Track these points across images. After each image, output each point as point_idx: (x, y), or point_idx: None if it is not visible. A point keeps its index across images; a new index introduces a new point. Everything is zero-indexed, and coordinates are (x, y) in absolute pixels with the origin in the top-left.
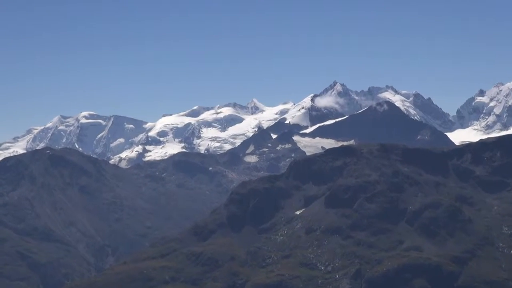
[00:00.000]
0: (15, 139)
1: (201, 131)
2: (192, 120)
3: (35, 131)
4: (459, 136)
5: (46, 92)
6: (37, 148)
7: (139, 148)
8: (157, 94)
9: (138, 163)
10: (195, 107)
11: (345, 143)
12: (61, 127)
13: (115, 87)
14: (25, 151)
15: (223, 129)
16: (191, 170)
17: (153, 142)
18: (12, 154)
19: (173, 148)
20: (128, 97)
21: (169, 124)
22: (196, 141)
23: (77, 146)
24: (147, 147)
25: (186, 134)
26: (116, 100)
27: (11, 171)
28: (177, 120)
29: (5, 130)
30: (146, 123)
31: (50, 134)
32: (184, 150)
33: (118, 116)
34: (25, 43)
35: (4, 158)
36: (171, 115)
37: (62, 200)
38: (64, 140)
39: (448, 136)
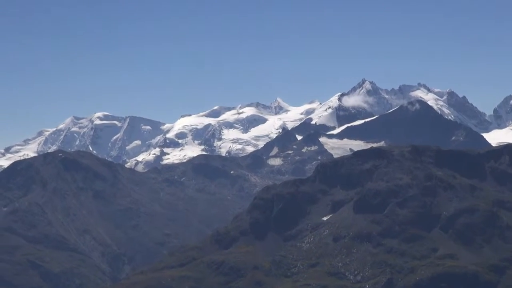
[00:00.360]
0: (26, 141)
1: (222, 132)
2: (212, 120)
3: (47, 133)
4: (496, 137)
5: (58, 92)
6: (49, 151)
7: (156, 151)
8: (175, 94)
9: (155, 166)
10: (215, 107)
11: (374, 145)
12: (74, 129)
13: (131, 86)
14: (36, 154)
15: (245, 130)
16: (212, 174)
17: (171, 144)
18: (22, 158)
19: (193, 150)
20: (144, 97)
21: (188, 125)
22: (216, 143)
23: (91, 149)
24: (165, 150)
25: (206, 135)
26: (132, 100)
27: (21, 175)
28: (197, 121)
29: (15, 132)
30: (163, 124)
31: (62, 136)
32: (204, 152)
33: (134, 117)
34: (36, 43)
35: (14, 162)
36: (190, 115)
37: (76, 206)
38: (77, 142)
39: (484, 136)
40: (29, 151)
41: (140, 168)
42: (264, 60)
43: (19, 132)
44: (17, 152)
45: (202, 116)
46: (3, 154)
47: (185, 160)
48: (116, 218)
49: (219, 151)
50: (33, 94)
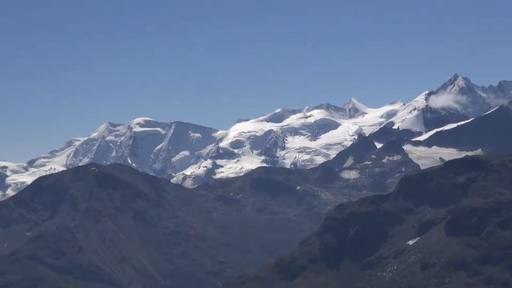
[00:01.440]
0: (52, 153)
1: (286, 140)
2: (274, 126)
3: (77, 143)
4: None
5: (90, 94)
6: (80, 164)
7: (207, 163)
8: (230, 95)
9: (207, 181)
10: (278, 110)
11: (469, 154)
12: (109, 138)
13: (177, 86)
14: (64, 169)
15: (314, 137)
16: (274, 190)
17: (226, 155)
18: (49, 172)
19: (251, 162)
20: (193, 99)
21: (245, 132)
22: (279, 153)
23: (129, 162)
24: (218, 162)
25: (267, 144)
26: (178, 102)
27: (47, 193)
28: (256, 126)
29: (41, 142)
30: (216, 131)
31: (95, 147)
32: (264, 164)
33: (181, 122)
34: (65, 40)
35: (39, 178)
36: (247, 120)
37: (112, 230)
38: (113, 154)
39: None
40: (57, 165)
41: (188, 183)
42: (335, 53)
43: (45, 142)
44: (42, 166)
45: (262, 121)
46: (26, 169)
47: (242, 174)
48: (160, 243)
49: (282, 162)
50: (61, 97)
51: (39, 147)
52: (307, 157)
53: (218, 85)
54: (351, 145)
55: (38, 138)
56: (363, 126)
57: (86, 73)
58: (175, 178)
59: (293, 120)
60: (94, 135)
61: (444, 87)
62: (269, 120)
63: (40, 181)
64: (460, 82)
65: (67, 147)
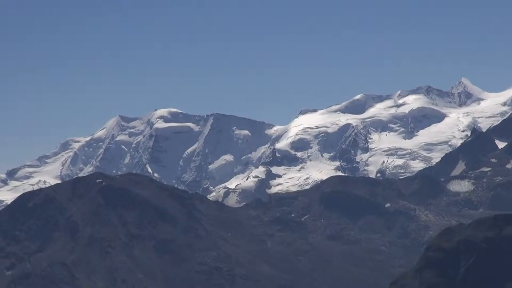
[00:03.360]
0: (42, 160)
1: (370, 138)
2: (353, 119)
3: (76, 146)
4: None
5: (94, 78)
6: (80, 175)
7: (259, 172)
8: (290, 76)
9: (258, 197)
10: (358, 97)
11: None
12: (120, 137)
13: (214, 65)
14: (59, 181)
15: (409, 133)
16: (353, 208)
17: (285, 160)
18: (37, 187)
19: (320, 169)
20: (237, 82)
21: (312, 128)
22: (361, 157)
23: (150, 170)
24: (274, 170)
25: (343, 144)
26: (216, 86)
27: (35, 216)
28: (327, 120)
29: (26, 145)
30: (271, 126)
31: (102, 151)
32: (339, 173)
33: (222, 115)
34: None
35: (24, 195)
36: (315, 111)
37: (125, 266)
38: (126, 159)
39: None
40: (48, 176)
41: (232, 200)
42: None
43: (31, 145)
44: (27, 177)
45: (336, 111)
46: (5, 182)
47: (308, 187)
48: (193, 284)
49: (365, 170)
50: (55, 83)
51: (23, 152)
52: (399, 162)
53: (273, 62)
54: (461, 144)
55: (21, 139)
56: (479, 117)
57: (86, 47)
58: (214, 194)
59: (380, 110)
60: (99, 133)
61: None
62: (345, 110)
63: (24, 199)
64: None
65: (62, 151)
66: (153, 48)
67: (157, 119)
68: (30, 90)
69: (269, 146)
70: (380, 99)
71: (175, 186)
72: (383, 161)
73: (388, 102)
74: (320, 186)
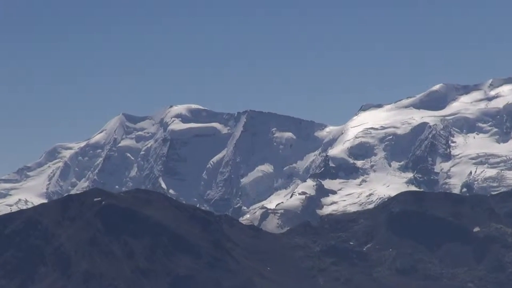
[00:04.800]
0: (22, 173)
1: (452, 141)
2: (430, 116)
3: (67, 154)
4: None
5: (91, 68)
6: (73, 191)
7: (307, 186)
8: (344, 62)
9: (306, 220)
10: (436, 87)
11: None
12: (125, 142)
13: (245, 51)
14: (45, 200)
15: (504, 135)
16: (432, 233)
17: (341, 170)
18: (16, 208)
19: (387, 182)
20: (276, 76)
21: (376, 129)
22: (440, 166)
23: (163, 185)
24: (327, 184)
25: (417, 150)
26: (249, 78)
27: (14, 246)
28: (395, 117)
29: (1, 153)
30: (323, 127)
31: (100, 160)
32: (413, 187)
33: (258, 112)
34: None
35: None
36: (380, 107)
37: None
38: (133, 172)
39: None
40: (30, 193)
41: (273, 224)
42: None
43: (9, 153)
44: (4, 196)
45: (408, 107)
46: None
47: (371, 206)
48: None
49: (446, 183)
50: (38, 73)
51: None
52: (492, 172)
53: (322, 43)
54: None
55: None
56: None
57: (80, 25)
58: (248, 215)
59: (465, 104)
60: (97, 138)
61: None
62: (420, 105)
63: (1, 223)
64: None
65: (48, 161)
66: (167, 29)
67: (173, 119)
68: (6, 83)
69: (320, 153)
70: (466, 90)
71: (197, 206)
72: (470, 172)
73: (477, 94)
74: (387, 204)
